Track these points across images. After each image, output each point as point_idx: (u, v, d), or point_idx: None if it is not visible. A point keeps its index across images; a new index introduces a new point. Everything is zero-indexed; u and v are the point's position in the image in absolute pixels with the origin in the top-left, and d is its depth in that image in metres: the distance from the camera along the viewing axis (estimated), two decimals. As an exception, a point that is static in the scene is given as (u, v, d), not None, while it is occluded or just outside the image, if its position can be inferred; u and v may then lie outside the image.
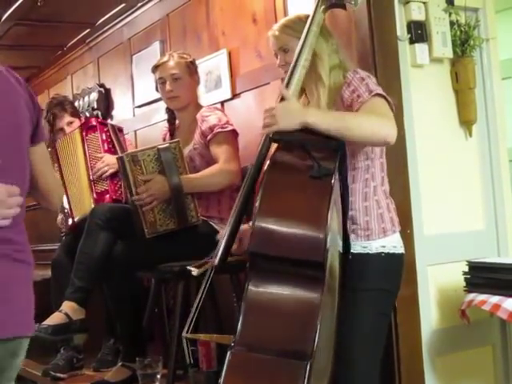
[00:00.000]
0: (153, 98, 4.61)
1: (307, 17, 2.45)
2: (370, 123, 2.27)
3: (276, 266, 1.95)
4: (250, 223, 2.07)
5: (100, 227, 3.35)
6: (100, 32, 5.47)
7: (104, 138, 3.80)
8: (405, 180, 2.98)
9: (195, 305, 2.21)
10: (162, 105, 3.92)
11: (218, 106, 4.06)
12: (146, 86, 4.62)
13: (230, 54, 4.03)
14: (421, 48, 3.08)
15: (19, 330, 1.80)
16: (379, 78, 2.55)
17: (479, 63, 3.29)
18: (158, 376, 3.05)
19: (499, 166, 3.32)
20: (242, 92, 3.96)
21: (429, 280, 3.07)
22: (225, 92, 4.05)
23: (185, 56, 3.64)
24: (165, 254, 3.27)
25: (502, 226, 3.31)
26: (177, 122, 3.74)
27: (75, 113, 4.24)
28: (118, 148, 3.77)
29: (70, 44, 5.91)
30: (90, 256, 3.33)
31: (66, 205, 3.88)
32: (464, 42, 3.16)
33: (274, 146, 2.25)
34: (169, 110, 3.74)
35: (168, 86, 3.56)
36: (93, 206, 3.61)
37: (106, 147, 3.80)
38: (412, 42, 3.07)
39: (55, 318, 3.21)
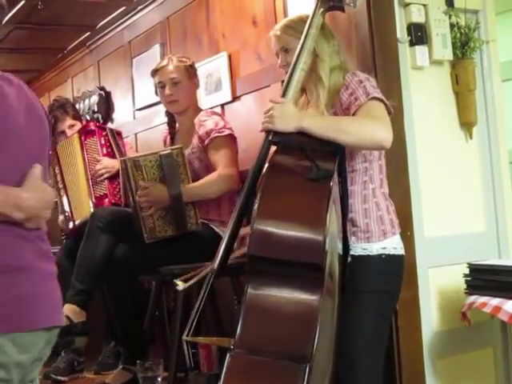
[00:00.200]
0: (153, 101, 4.61)
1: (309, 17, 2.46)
2: (365, 128, 2.27)
3: (275, 269, 1.95)
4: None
5: (101, 230, 3.35)
6: (100, 35, 5.48)
7: (103, 142, 3.81)
8: (405, 182, 2.98)
9: (196, 308, 2.21)
10: (162, 108, 3.92)
11: (219, 108, 4.06)
12: (147, 88, 4.62)
13: (230, 57, 4.04)
14: (421, 50, 3.08)
15: (58, 319, 1.89)
16: (379, 81, 2.55)
17: (479, 65, 3.29)
18: (159, 379, 3.05)
19: (499, 167, 3.32)
20: (242, 95, 3.96)
21: (429, 282, 3.07)
22: (225, 95, 4.05)
23: (184, 60, 3.64)
24: (165, 257, 3.27)
25: (502, 227, 3.30)
26: (177, 125, 3.74)
27: (77, 116, 4.24)
28: (116, 152, 3.78)
29: (70, 47, 5.91)
30: (91, 259, 3.34)
31: (66, 207, 3.88)
32: (464, 44, 3.16)
33: (274, 148, 2.26)
34: (168, 114, 3.75)
35: (167, 90, 3.57)
36: (92, 209, 3.62)
37: (104, 151, 3.80)
38: (412, 44, 3.07)
39: (56, 321, 3.21)
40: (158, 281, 3.59)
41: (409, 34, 3.06)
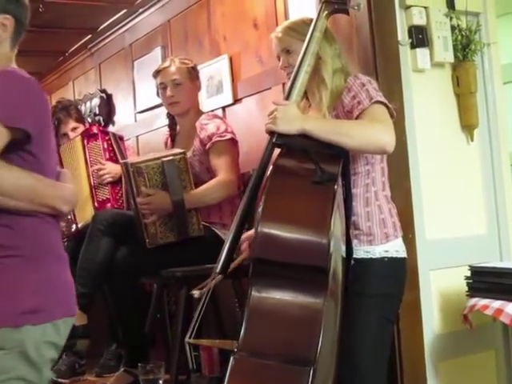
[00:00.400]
0: (154, 104, 4.62)
1: (311, 20, 2.45)
2: (368, 132, 2.27)
3: (279, 272, 1.95)
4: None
5: (102, 233, 3.35)
6: (101, 38, 5.49)
7: (105, 146, 3.81)
8: (406, 184, 2.98)
9: (198, 310, 2.20)
10: (164, 110, 3.92)
11: (220, 111, 4.06)
12: (148, 91, 4.63)
13: (231, 59, 4.04)
14: (422, 53, 3.08)
15: (75, 309, 2.00)
16: (380, 83, 2.55)
17: (480, 67, 3.29)
18: (161, 381, 3.04)
19: (501, 169, 3.32)
20: (244, 97, 3.96)
21: (431, 285, 3.07)
22: (226, 97, 4.05)
23: (186, 61, 3.64)
24: (167, 260, 3.27)
25: (504, 230, 3.30)
26: (177, 127, 3.74)
27: (80, 118, 4.24)
28: (119, 157, 3.77)
29: (71, 50, 5.93)
30: (92, 262, 3.34)
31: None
32: (465, 47, 3.16)
33: (278, 151, 2.26)
34: (169, 116, 3.75)
35: (169, 92, 3.57)
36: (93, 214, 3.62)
37: (107, 156, 3.80)
38: (413, 46, 3.06)
39: (57, 324, 3.21)
40: (160, 283, 3.59)
41: (410, 36, 3.06)
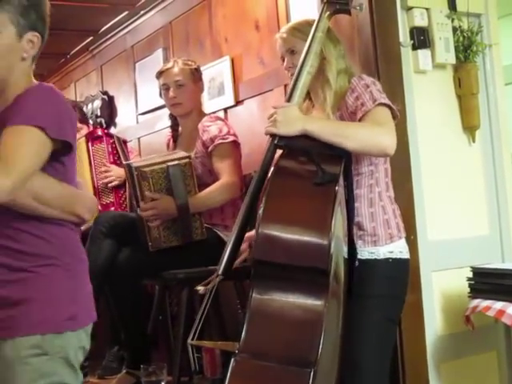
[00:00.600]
0: (156, 105, 4.62)
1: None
2: (370, 134, 2.27)
3: (280, 273, 1.94)
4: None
5: (104, 235, 3.35)
6: (103, 40, 5.49)
7: (110, 149, 3.81)
8: (408, 185, 2.98)
9: (200, 312, 2.20)
10: (166, 112, 3.93)
11: (221, 112, 4.06)
12: (150, 93, 4.63)
13: (232, 61, 4.04)
14: (424, 54, 3.08)
15: (95, 314, 2.03)
16: (382, 84, 2.55)
17: (482, 69, 3.29)
18: (163, 383, 3.05)
19: (503, 171, 3.32)
20: (245, 99, 3.97)
21: (433, 286, 3.07)
22: (228, 99, 4.06)
23: (189, 63, 3.64)
24: (168, 261, 3.27)
25: (505, 231, 3.30)
26: (180, 128, 3.75)
27: (84, 119, 4.24)
28: (123, 160, 3.77)
29: (73, 52, 5.93)
30: (94, 263, 3.32)
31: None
32: (467, 48, 3.16)
33: (279, 152, 2.26)
34: (172, 117, 3.75)
35: (171, 93, 3.57)
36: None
37: (111, 159, 3.80)
38: (415, 47, 3.07)
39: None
40: (162, 285, 3.59)
41: (411, 37, 3.06)
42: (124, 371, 3.48)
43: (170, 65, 3.63)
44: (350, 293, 2.29)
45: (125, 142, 3.98)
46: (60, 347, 1.87)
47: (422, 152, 3.07)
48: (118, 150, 3.82)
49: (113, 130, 5.30)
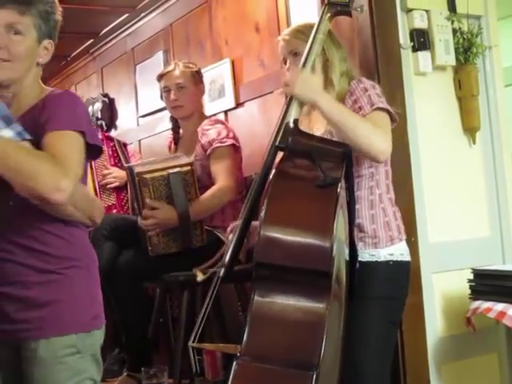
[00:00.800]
0: (156, 108, 4.63)
1: None
2: (369, 132, 2.27)
3: (282, 276, 1.94)
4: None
5: (105, 237, 3.35)
6: (103, 42, 5.50)
7: (110, 152, 3.82)
8: (409, 187, 2.98)
9: (201, 314, 2.21)
10: (166, 114, 3.93)
11: (222, 115, 4.07)
12: (150, 95, 4.63)
13: (233, 63, 4.05)
14: (424, 56, 3.07)
15: None
16: (382, 87, 2.55)
17: (482, 70, 3.28)
18: (164, 386, 3.06)
19: (503, 172, 3.31)
20: (246, 101, 3.97)
21: (434, 288, 3.07)
22: (228, 101, 4.06)
23: (190, 65, 3.65)
24: (169, 264, 3.27)
25: (506, 233, 3.30)
26: (181, 131, 3.75)
27: None
28: (124, 164, 3.77)
29: (73, 54, 5.94)
30: (95, 266, 3.33)
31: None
32: (467, 50, 3.16)
33: (280, 154, 2.25)
34: (173, 119, 3.75)
35: (172, 95, 3.57)
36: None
37: (112, 162, 3.81)
38: (415, 49, 3.06)
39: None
40: (162, 288, 3.60)
41: (411, 39, 3.06)
42: (125, 374, 3.48)
43: (171, 67, 3.64)
44: (351, 294, 2.29)
45: (125, 145, 3.99)
46: (90, 345, 1.96)
47: (423, 154, 3.07)
48: (119, 152, 3.82)
49: (113, 133, 5.30)
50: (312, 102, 2.27)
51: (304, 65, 2.32)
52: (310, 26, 2.53)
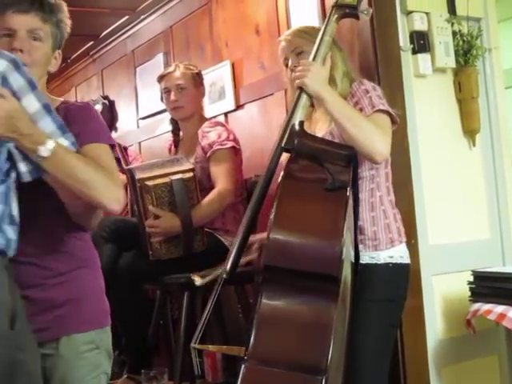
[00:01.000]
0: (157, 110, 4.63)
1: (320, 28, 2.46)
2: (371, 132, 2.26)
3: (290, 279, 1.91)
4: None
5: (105, 239, 3.35)
6: (104, 44, 5.50)
7: None
8: (409, 190, 2.98)
9: (204, 315, 2.20)
10: (166, 116, 3.93)
11: (222, 117, 4.07)
12: (150, 97, 4.64)
13: (233, 66, 4.05)
14: (423, 58, 3.07)
15: None
16: (382, 89, 2.55)
17: (482, 73, 3.28)
18: (164, 387, 3.06)
19: (503, 174, 3.31)
20: (246, 103, 3.97)
21: (434, 290, 3.06)
22: (228, 103, 4.06)
23: (191, 67, 3.65)
24: (169, 266, 3.27)
25: (506, 235, 3.29)
26: (181, 133, 3.75)
27: None
28: (124, 167, 3.76)
29: (73, 56, 5.94)
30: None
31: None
32: (467, 52, 3.16)
33: (285, 155, 2.25)
34: (173, 121, 3.75)
35: (173, 96, 3.58)
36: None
37: None
38: (415, 52, 3.06)
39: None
40: (163, 290, 3.60)
41: (411, 41, 3.06)
42: (125, 376, 3.48)
43: (171, 69, 3.64)
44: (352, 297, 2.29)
45: (125, 148, 3.99)
46: (105, 341, 2.05)
47: (423, 156, 3.07)
48: (120, 156, 3.82)
49: (113, 135, 5.29)
50: (319, 95, 2.26)
51: (314, 60, 2.33)
52: (312, 28, 2.54)
